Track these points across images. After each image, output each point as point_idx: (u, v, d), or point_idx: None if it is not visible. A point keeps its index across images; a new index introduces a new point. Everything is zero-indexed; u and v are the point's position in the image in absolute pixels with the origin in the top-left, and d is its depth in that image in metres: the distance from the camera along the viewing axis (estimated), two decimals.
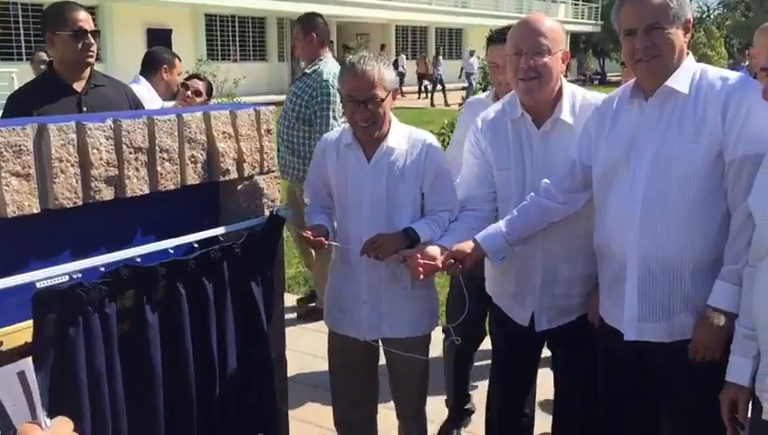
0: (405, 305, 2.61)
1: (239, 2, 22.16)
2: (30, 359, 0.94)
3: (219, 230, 2.15)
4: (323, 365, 2.89)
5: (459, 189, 2.67)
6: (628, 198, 2.19)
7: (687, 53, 2.19)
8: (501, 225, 2.46)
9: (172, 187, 2.05)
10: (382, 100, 2.44)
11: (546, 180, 2.45)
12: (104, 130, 1.86)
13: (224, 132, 2.18)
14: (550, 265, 2.54)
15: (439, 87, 24.94)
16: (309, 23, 4.66)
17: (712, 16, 51.74)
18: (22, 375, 0.92)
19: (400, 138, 2.55)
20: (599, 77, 39.92)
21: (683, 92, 2.13)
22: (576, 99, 2.52)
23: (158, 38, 21.65)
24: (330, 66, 4.54)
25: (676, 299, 2.16)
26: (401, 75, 25.17)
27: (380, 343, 2.70)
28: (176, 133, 2.04)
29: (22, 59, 18.29)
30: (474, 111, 3.09)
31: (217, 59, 22.81)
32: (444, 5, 31.51)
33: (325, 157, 2.63)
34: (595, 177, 2.34)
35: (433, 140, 2.60)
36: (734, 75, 2.13)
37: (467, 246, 2.44)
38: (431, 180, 2.55)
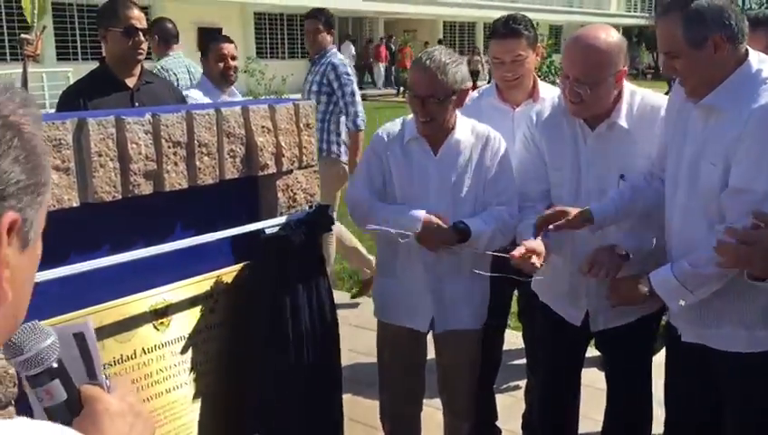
0: (468, 296, 2.61)
1: (288, 0, 22.36)
2: (90, 322, 0.95)
3: (259, 225, 2.15)
4: (365, 360, 2.88)
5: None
6: (671, 206, 2.17)
7: (744, 61, 2.03)
8: (610, 200, 2.41)
9: (211, 181, 2.05)
10: (440, 100, 2.41)
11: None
12: (143, 125, 1.86)
13: (263, 127, 2.17)
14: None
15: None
16: (318, 17, 4.85)
17: (755, 8, 50.10)
18: (81, 337, 0.92)
19: (467, 131, 2.53)
20: (652, 71, 38.97)
21: (721, 109, 2.03)
22: (635, 101, 2.44)
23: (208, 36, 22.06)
24: (338, 56, 4.78)
25: (724, 312, 2.11)
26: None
27: (432, 337, 2.69)
28: (214, 128, 2.04)
29: (77, 59, 18.81)
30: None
31: (266, 56, 23.04)
32: (493, 1, 31.22)
33: (387, 149, 2.59)
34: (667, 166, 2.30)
35: (496, 133, 2.57)
36: None
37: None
38: (493, 174, 2.53)
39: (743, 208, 1.88)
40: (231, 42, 4.20)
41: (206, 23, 21.88)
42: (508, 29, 2.90)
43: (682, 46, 2.00)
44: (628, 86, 2.47)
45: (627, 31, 41.74)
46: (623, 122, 2.40)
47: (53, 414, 0.86)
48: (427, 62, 2.40)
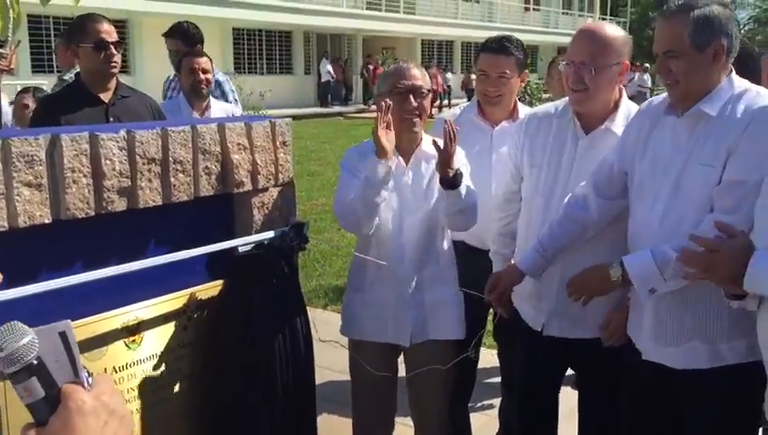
0: (450, 304, 2.62)
1: (267, 16, 22.36)
2: (69, 321, 0.95)
3: (233, 242, 2.14)
4: (339, 377, 2.86)
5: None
6: (649, 217, 2.16)
7: (727, 73, 2.11)
8: (538, 244, 2.46)
9: (185, 198, 2.04)
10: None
11: (582, 186, 2.42)
12: (117, 141, 1.86)
13: (238, 144, 2.17)
14: (568, 273, 2.49)
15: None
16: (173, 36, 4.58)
17: (743, 31, 51.27)
18: (63, 335, 0.92)
19: (428, 144, 2.54)
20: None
21: (712, 115, 2.07)
22: (632, 113, 2.47)
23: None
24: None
25: (687, 325, 2.11)
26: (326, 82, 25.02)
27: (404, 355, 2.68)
28: (190, 144, 2.04)
29: (53, 71, 18.66)
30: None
31: (244, 72, 23.01)
32: (470, 20, 31.52)
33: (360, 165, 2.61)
34: (629, 187, 2.30)
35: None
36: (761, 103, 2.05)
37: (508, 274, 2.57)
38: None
39: (733, 200, 1.94)
40: (203, 56, 4.16)
41: None
42: (500, 45, 2.96)
43: (685, 47, 2.04)
44: (626, 100, 2.51)
45: None
46: (618, 130, 2.43)
47: (34, 410, 0.88)
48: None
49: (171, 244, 2.03)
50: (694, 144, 2.08)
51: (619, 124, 2.44)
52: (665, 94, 2.29)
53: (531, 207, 2.56)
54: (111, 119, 3.16)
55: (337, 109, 24.72)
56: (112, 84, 3.23)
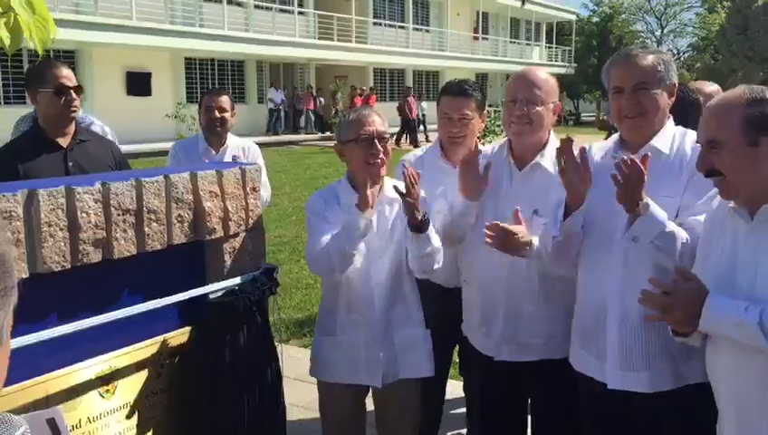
0: (420, 343, 2.68)
1: (219, 46, 22.33)
2: (60, 407, 0.97)
3: (205, 289, 2.18)
4: (305, 414, 2.88)
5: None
6: (611, 252, 2.25)
7: (669, 117, 2.30)
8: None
9: (159, 247, 2.07)
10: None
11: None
12: (93, 194, 1.89)
13: (210, 192, 2.21)
14: (513, 298, 2.61)
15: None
16: None
17: (682, 59, 53.24)
18: (52, 422, 0.95)
19: (389, 186, 2.61)
20: (573, 117, 40.65)
21: (665, 152, 2.23)
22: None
23: (138, 81, 21.74)
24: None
25: (655, 349, 2.21)
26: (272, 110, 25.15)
27: (372, 393, 2.72)
28: (163, 194, 2.07)
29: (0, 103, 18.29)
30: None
31: (196, 102, 22.91)
32: (421, 48, 32.03)
33: (326, 209, 2.64)
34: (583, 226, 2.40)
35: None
36: None
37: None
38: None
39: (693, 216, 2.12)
40: (222, 95, 4.14)
41: (134, 67, 21.65)
42: (460, 89, 3.11)
43: (653, 80, 2.21)
44: (554, 137, 2.67)
45: None
46: (548, 165, 2.60)
47: None
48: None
49: (145, 292, 2.06)
50: (649, 179, 2.19)
51: (547, 159, 2.60)
52: (609, 140, 2.44)
53: (475, 236, 2.67)
54: (70, 164, 3.13)
55: (288, 137, 24.77)
56: (71, 129, 3.21)
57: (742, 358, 1.79)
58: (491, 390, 2.77)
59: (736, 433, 1.87)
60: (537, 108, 2.54)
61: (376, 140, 2.53)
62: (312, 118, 26.96)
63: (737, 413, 1.85)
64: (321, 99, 26.90)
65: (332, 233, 2.48)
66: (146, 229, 2.02)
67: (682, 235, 2.08)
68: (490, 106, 19.51)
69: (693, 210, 2.15)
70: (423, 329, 2.69)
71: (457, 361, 3.59)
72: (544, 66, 41.06)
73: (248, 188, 2.35)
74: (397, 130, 22.74)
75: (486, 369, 2.73)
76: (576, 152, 2.25)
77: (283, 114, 26.23)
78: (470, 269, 2.77)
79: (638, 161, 2.02)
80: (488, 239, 2.40)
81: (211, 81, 24.61)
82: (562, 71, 43.20)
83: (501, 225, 2.41)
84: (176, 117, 19.06)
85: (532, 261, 2.54)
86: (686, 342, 1.96)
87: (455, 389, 3.72)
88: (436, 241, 2.52)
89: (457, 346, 3.27)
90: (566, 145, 2.27)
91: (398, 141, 22.40)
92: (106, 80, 19.56)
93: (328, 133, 25.24)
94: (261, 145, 4.73)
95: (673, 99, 2.28)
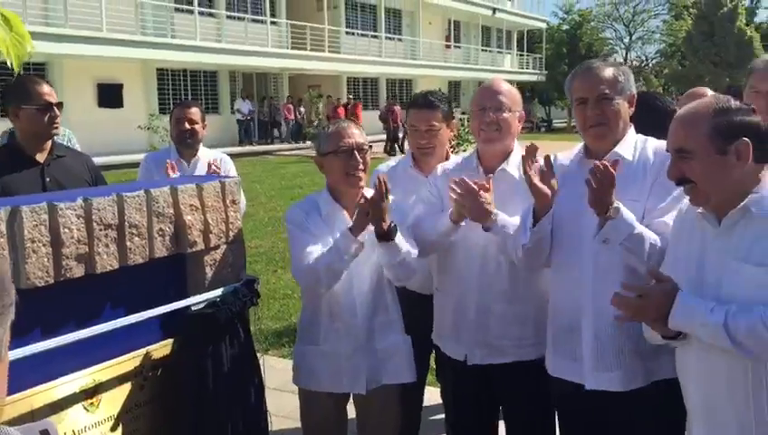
0: (401, 350, 2.73)
1: (191, 57, 22.26)
2: (53, 419, 1.00)
3: (186, 302, 2.21)
4: (286, 424, 2.90)
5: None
6: (582, 256, 2.33)
7: (630, 125, 2.39)
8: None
9: (141, 261, 2.10)
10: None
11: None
12: (75, 209, 1.91)
13: (191, 205, 2.24)
14: (483, 302, 2.67)
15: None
16: None
17: (650, 65, 54.13)
18: (45, 433, 0.97)
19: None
20: (545, 124, 41.10)
21: (628, 158, 2.31)
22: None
23: (109, 93, 21.57)
24: None
25: (627, 348, 2.28)
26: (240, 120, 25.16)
27: (353, 399, 2.75)
28: (144, 208, 2.10)
29: None
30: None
31: (169, 113, 22.76)
32: (393, 57, 32.21)
33: (308, 220, 2.66)
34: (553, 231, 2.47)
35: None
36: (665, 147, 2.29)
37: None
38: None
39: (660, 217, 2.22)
40: (192, 106, 4.16)
41: (105, 79, 21.49)
42: (425, 100, 3.19)
43: (614, 91, 2.31)
44: (519, 145, 2.75)
45: (521, 86, 43.91)
46: (513, 171, 2.68)
47: None
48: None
49: (127, 305, 2.08)
50: (621, 182, 2.27)
51: (512, 165, 2.69)
52: (574, 149, 2.53)
53: (453, 241, 2.72)
54: (48, 179, 3.15)
55: (262, 148, 24.72)
56: (48, 145, 3.23)
57: (711, 358, 1.85)
58: (464, 395, 2.82)
59: (705, 432, 1.93)
60: (505, 114, 2.65)
61: (356, 152, 2.58)
62: (291, 128, 26.92)
63: (706, 412, 1.91)
64: (302, 108, 26.86)
65: (320, 247, 2.52)
66: (128, 244, 2.05)
67: (650, 236, 2.17)
68: (464, 114, 19.64)
69: (658, 212, 2.24)
70: (404, 335, 2.75)
71: (434, 367, 3.64)
72: (516, 74, 41.61)
73: (228, 201, 2.38)
74: (378, 138, 22.81)
75: (459, 374, 2.78)
76: (541, 160, 2.33)
77: (256, 124, 26.18)
78: (442, 276, 2.83)
79: (609, 167, 2.10)
80: (452, 194, 2.47)
81: (183, 91, 24.50)
82: (534, 78, 43.73)
83: (468, 181, 2.47)
84: (148, 128, 18.94)
85: (502, 259, 2.61)
86: (670, 344, 2.01)
87: (433, 395, 3.77)
88: (406, 249, 2.56)
89: (434, 352, 3.32)
90: (531, 152, 2.36)
91: (387, 151, 22.42)
92: (77, 92, 19.36)
93: (301, 143, 25.29)
94: (234, 156, 4.74)
95: (633, 108, 2.38)
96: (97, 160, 3.77)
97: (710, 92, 3.67)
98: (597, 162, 2.13)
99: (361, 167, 2.59)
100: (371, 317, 2.65)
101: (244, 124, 25.41)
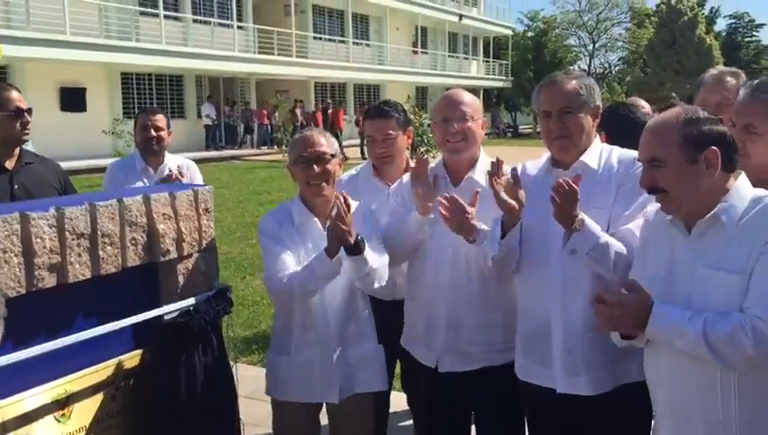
0: (373, 357, 2.75)
1: (156, 61, 22.01)
2: (24, 431, 1.00)
3: (159, 311, 2.20)
4: (259, 431, 2.89)
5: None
6: (550, 264, 2.38)
7: (596, 135, 2.45)
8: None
9: (113, 270, 2.09)
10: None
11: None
12: (47, 219, 1.90)
13: (164, 214, 2.24)
14: (455, 308, 2.70)
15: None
16: None
17: (613, 72, 55.07)
18: None
19: None
20: (511, 130, 41.53)
21: (594, 168, 2.37)
22: (487, 163, 2.73)
23: (72, 97, 21.23)
24: None
25: (595, 354, 2.33)
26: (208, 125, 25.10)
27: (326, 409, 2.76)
28: (117, 218, 2.10)
29: None
30: (347, 189, 3.12)
31: (134, 117, 22.47)
32: (361, 62, 32.26)
33: (281, 231, 2.67)
34: (522, 240, 2.51)
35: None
36: (630, 155, 2.37)
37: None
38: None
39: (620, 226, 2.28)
40: (157, 113, 4.13)
41: (69, 82, 21.15)
42: (378, 110, 3.25)
43: (577, 105, 2.36)
44: (484, 153, 2.81)
45: (487, 93, 44.40)
46: (479, 178, 2.72)
47: None
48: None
49: (100, 315, 2.07)
50: (580, 193, 2.32)
51: (479, 173, 2.73)
52: (542, 158, 2.57)
53: (424, 250, 2.76)
54: (16, 186, 3.11)
55: (231, 152, 24.56)
56: (17, 151, 3.19)
57: (680, 362, 1.89)
58: (437, 402, 2.85)
59: (672, 434, 1.98)
60: (469, 124, 2.69)
61: (314, 163, 2.59)
62: (262, 133, 26.78)
63: (674, 415, 1.96)
64: (277, 114, 26.64)
65: (294, 259, 2.53)
66: (100, 253, 2.04)
67: (616, 245, 2.22)
68: (426, 119, 19.65)
69: (623, 220, 2.29)
70: (376, 344, 2.76)
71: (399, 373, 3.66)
72: (482, 79, 41.97)
73: (201, 209, 2.38)
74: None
75: (431, 380, 2.80)
76: (509, 174, 2.38)
77: (222, 129, 26.01)
78: (414, 284, 2.85)
79: (571, 182, 2.15)
80: (444, 212, 2.45)
81: (149, 96, 24.22)
82: (500, 84, 44.17)
83: (459, 200, 2.48)
84: (113, 133, 18.69)
85: (472, 266, 2.64)
86: (633, 344, 2.07)
87: (399, 401, 3.79)
88: (374, 261, 2.57)
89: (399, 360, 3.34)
90: (496, 168, 2.41)
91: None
92: (39, 95, 18.99)
93: (270, 148, 25.21)
94: (201, 160, 4.71)
95: (597, 120, 2.43)
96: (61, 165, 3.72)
97: (643, 102, 3.77)
98: (560, 180, 2.18)
99: (321, 177, 2.59)
100: (344, 326, 2.67)
101: (211, 129, 25.22)
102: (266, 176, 17.48)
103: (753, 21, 56.78)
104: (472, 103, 2.73)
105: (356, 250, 2.50)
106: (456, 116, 2.68)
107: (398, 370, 3.56)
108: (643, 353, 2.09)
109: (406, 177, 2.92)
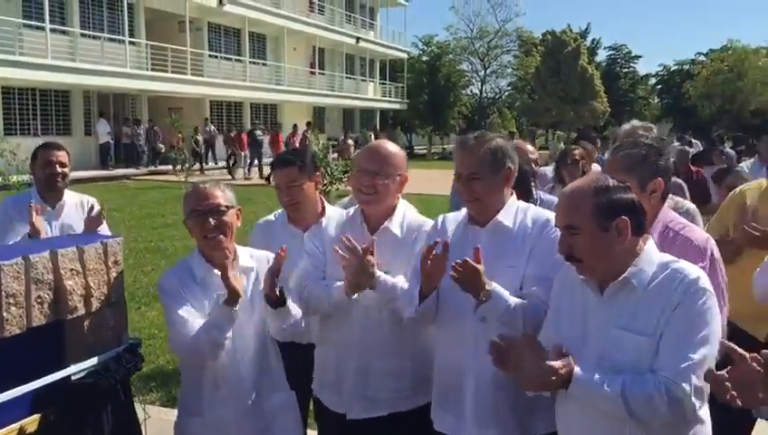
0: (287, 408, 2.76)
1: (41, 75, 20.94)
2: None
3: (69, 370, 2.12)
4: None
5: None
6: (464, 320, 2.44)
7: (512, 193, 2.54)
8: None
9: (18, 331, 2.00)
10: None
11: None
12: None
13: (71, 269, 2.17)
14: (364, 357, 2.73)
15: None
16: None
17: (503, 98, 57.18)
18: None
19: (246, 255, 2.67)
20: (408, 150, 42.26)
21: (509, 226, 2.48)
22: (407, 216, 2.82)
23: None
24: None
25: (505, 406, 2.42)
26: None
27: None
28: (23, 277, 2.01)
29: None
30: (264, 234, 3.29)
31: (16, 134, 21.27)
32: (258, 82, 31.96)
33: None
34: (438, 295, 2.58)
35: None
36: (543, 215, 2.50)
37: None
38: None
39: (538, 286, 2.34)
40: (61, 149, 3.94)
41: None
42: (281, 160, 3.28)
43: (485, 171, 2.43)
44: (402, 203, 2.86)
45: (384, 114, 45.05)
46: (396, 230, 2.77)
47: None
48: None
49: (2, 378, 1.97)
50: (495, 251, 2.42)
51: (395, 224, 2.79)
52: (455, 215, 2.66)
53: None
54: None
55: (122, 171, 23.68)
56: None
57: (591, 414, 1.99)
58: None
59: None
60: (384, 180, 2.70)
61: (209, 217, 2.52)
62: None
63: None
64: (180, 134, 25.77)
65: (199, 317, 2.47)
66: (4, 314, 1.95)
67: (524, 307, 2.32)
68: (329, 139, 19.53)
69: (535, 280, 2.39)
70: (288, 392, 2.76)
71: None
72: (378, 101, 42.56)
73: (110, 262, 2.32)
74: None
75: (342, 428, 2.80)
76: (440, 249, 2.38)
77: (113, 147, 25.03)
78: (324, 330, 2.85)
79: (470, 261, 2.24)
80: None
81: (33, 112, 23.02)
82: (396, 106, 44.92)
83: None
84: None
85: (384, 312, 2.68)
86: (542, 392, 2.16)
87: None
88: (296, 311, 2.60)
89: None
90: (430, 250, 2.39)
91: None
92: None
93: (154, 167, 24.53)
94: (91, 180, 4.52)
95: (511, 182, 2.51)
96: None
97: (529, 148, 3.95)
98: (456, 262, 2.25)
99: (217, 230, 2.54)
100: (257, 378, 2.64)
101: (105, 147, 24.23)
102: (159, 197, 16.93)
103: (630, 52, 60.61)
104: (393, 159, 2.74)
105: (280, 302, 2.50)
106: (371, 169, 2.70)
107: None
108: (551, 408, 2.19)
109: (324, 220, 2.94)
